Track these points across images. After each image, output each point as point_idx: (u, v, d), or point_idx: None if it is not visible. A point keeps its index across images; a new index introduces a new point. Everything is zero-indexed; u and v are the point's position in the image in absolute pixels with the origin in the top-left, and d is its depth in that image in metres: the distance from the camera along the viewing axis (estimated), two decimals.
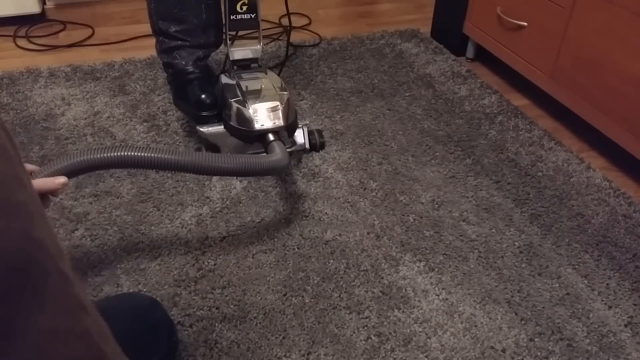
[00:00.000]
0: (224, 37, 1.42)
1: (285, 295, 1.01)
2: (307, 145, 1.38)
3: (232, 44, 1.44)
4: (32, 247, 0.33)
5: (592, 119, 1.42)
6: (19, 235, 0.32)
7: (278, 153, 1.10)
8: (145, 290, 1.01)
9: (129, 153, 0.85)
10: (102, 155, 0.84)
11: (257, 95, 1.29)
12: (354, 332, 0.95)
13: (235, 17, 1.34)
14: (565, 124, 1.58)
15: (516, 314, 1.00)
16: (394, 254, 1.11)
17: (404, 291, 1.03)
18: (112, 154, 0.84)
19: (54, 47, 1.88)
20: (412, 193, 1.27)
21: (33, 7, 1.97)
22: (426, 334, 0.95)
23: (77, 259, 1.06)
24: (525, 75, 1.65)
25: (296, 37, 1.97)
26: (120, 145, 0.87)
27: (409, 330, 0.96)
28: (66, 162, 0.83)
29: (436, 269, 1.08)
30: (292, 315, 0.98)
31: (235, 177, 1.29)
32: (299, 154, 1.38)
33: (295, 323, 0.96)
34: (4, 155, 0.32)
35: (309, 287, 1.03)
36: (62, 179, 0.73)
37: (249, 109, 1.25)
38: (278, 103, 1.26)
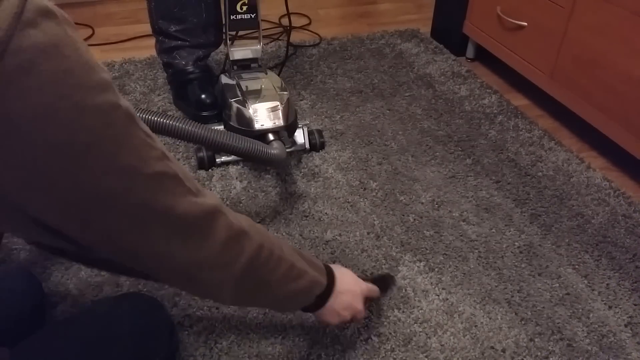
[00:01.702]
0: (224, 37, 1.42)
1: None
2: (307, 145, 1.38)
3: (232, 44, 1.44)
4: (120, 112, 0.45)
5: (592, 119, 1.42)
6: (108, 102, 0.44)
7: (277, 147, 1.11)
8: (145, 290, 1.01)
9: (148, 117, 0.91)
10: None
11: (257, 95, 1.29)
12: (354, 332, 0.95)
13: (235, 17, 1.34)
14: (565, 124, 1.58)
15: (516, 314, 1.00)
16: (394, 254, 1.11)
17: (404, 291, 1.03)
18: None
19: None
20: (412, 193, 1.27)
21: None
22: (426, 334, 0.95)
23: None
24: (525, 75, 1.65)
25: (296, 37, 1.97)
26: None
27: (409, 330, 0.96)
28: None
29: (436, 269, 1.08)
30: (292, 315, 0.98)
31: (235, 177, 1.29)
32: (299, 154, 1.38)
33: (296, 323, 0.96)
34: (86, 45, 0.43)
35: None
36: None
37: (249, 109, 1.25)
38: (278, 103, 1.26)
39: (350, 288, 0.80)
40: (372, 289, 0.87)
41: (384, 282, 0.98)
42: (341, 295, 0.77)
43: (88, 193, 0.45)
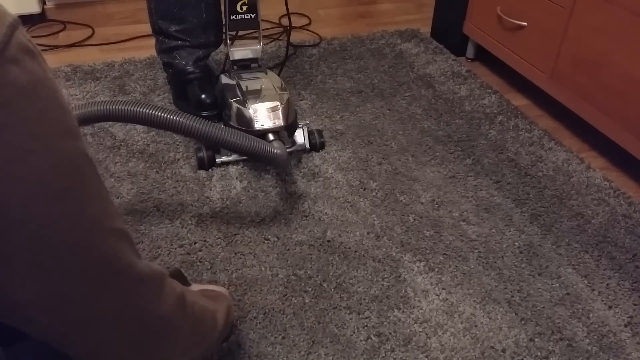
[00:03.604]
0: (224, 37, 1.42)
1: (285, 295, 1.01)
2: (307, 145, 1.38)
3: (232, 44, 1.44)
4: (89, 162, 0.44)
5: (592, 119, 1.42)
6: (79, 151, 0.43)
7: (278, 147, 1.11)
8: None
9: (132, 108, 0.93)
10: (120, 107, 0.93)
11: (257, 95, 1.29)
12: (354, 332, 0.95)
13: (235, 17, 1.34)
14: (565, 124, 1.58)
15: (516, 314, 1.00)
16: (394, 254, 1.11)
17: (404, 291, 1.03)
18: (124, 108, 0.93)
19: (54, 47, 1.88)
20: (412, 193, 1.27)
21: (33, 7, 1.97)
22: (426, 334, 0.95)
23: None
24: (525, 75, 1.65)
25: (296, 37, 1.97)
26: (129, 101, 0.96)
27: (409, 330, 0.96)
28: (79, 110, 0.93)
29: (436, 269, 1.08)
30: (292, 315, 0.98)
31: (235, 177, 1.29)
32: (299, 154, 1.38)
33: (295, 323, 0.96)
34: (62, 91, 0.43)
35: (309, 287, 1.03)
36: None
37: (249, 109, 1.25)
38: (278, 103, 1.26)
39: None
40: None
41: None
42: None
43: (51, 243, 0.42)
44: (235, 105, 1.27)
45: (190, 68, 1.47)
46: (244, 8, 1.34)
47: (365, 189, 1.28)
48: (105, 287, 0.47)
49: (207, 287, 0.82)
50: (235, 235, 1.14)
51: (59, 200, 0.41)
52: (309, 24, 2.12)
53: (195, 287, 0.81)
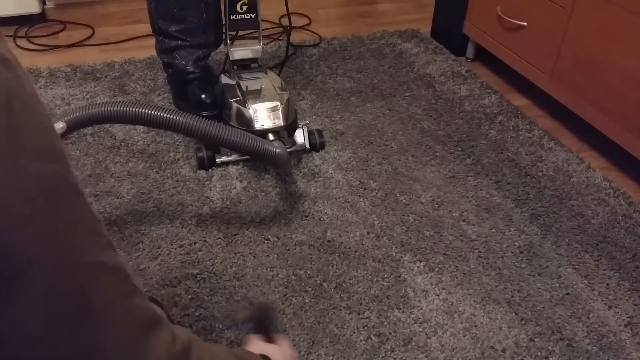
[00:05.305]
0: (224, 37, 1.42)
1: (285, 295, 1.01)
2: (307, 145, 1.38)
3: (232, 44, 1.44)
4: (68, 187, 0.39)
5: (592, 119, 1.42)
6: (55, 175, 0.38)
7: (278, 147, 1.11)
8: (145, 290, 1.01)
9: (131, 109, 0.92)
10: (112, 109, 0.92)
11: (257, 95, 1.29)
12: (354, 332, 0.95)
13: (235, 17, 1.34)
14: (565, 124, 1.58)
15: (516, 314, 1.00)
16: (394, 254, 1.11)
17: (404, 291, 1.03)
18: (117, 109, 0.92)
19: (54, 47, 1.88)
20: (412, 193, 1.27)
21: (33, 7, 1.97)
22: (426, 334, 0.95)
23: None
24: (525, 75, 1.65)
25: (296, 37, 1.97)
26: (122, 102, 0.95)
27: (409, 330, 0.96)
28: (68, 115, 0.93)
29: (436, 269, 1.08)
30: (292, 315, 0.98)
31: (235, 177, 1.29)
32: (299, 154, 1.38)
33: (296, 323, 0.96)
34: (44, 107, 0.38)
35: (309, 287, 1.03)
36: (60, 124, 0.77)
37: (249, 109, 1.25)
38: (278, 103, 1.26)
39: None
40: (292, 350, 0.82)
41: (266, 319, 0.93)
42: None
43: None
44: (235, 105, 1.27)
45: (190, 68, 1.47)
46: (244, 8, 1.34)
47: (365, 189, 1.28)
48: (74, 327, 0.40)
49: (266, 349, 0.73)
50: (235, 235, 1.14)
51: (23, 227, 0.36)
52: (309, 24, 2.12)
53: (256, 345, 0.74)
